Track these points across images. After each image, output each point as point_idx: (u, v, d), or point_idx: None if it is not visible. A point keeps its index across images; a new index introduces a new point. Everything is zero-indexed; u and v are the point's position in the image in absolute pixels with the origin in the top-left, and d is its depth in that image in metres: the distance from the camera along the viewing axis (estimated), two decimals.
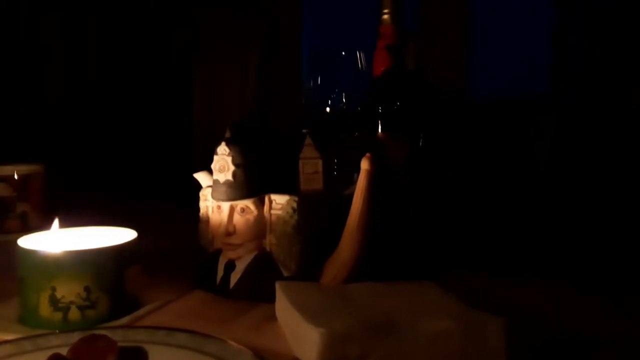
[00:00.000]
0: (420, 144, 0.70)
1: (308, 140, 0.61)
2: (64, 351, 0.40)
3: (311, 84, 0.77)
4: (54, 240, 0.56)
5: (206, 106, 1.31)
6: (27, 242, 0.53)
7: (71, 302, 0.49)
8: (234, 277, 0.58)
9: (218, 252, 0.61)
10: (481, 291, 0.58)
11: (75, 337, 0.42)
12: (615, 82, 0.93)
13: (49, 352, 0.40)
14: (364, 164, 0.54)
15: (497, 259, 0.76)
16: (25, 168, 0.89)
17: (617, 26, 0.93)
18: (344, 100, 0.74)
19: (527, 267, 0.73)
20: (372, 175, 0.54)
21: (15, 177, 0.87)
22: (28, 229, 0.60)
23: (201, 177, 0.65)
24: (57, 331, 0.46)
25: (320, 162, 0.60)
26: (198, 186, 0.66)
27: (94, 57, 1.30)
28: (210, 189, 0.62)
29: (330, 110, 0.74)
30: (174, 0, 1.29)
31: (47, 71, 1.27)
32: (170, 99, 1.33)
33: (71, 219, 0.61)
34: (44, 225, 0.64)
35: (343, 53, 0.76)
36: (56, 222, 0.56)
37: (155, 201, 1.17)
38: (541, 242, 0.81)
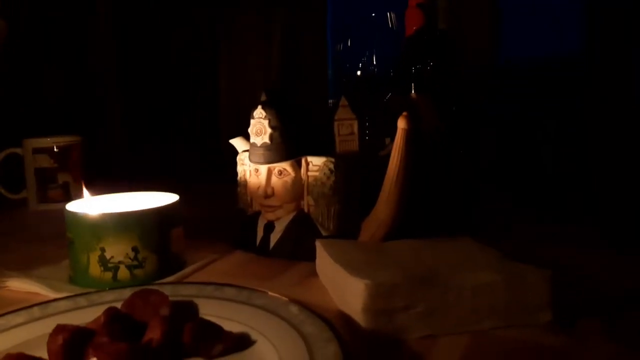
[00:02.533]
0: (454, 107, 0.69)
1: (343, 102, 0.60)
2: (117, 306, 0.41)
3: (341, 47, 0.76)
4: (100, 205, 0.58)
5: (231, 75, 1.31)
6: (74, 207, 0.55)
7: (120, 262, 0.51)
8: (274, 238, 0.59)
9: (257, 214, 0.62)
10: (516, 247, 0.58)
11: (127, 293, 0.43)
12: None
13: (103, 307, 0.41)
14: (401, 123, 0.54)
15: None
16: (64, 139, 0.91)
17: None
18: (374, 62, 0.73)
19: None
20: (409, 134, 0.54)
21: (55, 149, 0.90)
22: (70, 199, 0.62)
23: (237, 142, 0.66)
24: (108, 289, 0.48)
25: (355, 123, 0.60)
26: (227, 152, 0.66)
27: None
28: (246, 154, 0.62)
29: (361, 73, 0.73)
30: None
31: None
32: (196, 70, 1.33)
33: (111, 187, 0.63)
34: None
35: (373, 14, 0.75)
36: (85, 190, 0.57)
37: (184, 170, 1.19)
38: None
